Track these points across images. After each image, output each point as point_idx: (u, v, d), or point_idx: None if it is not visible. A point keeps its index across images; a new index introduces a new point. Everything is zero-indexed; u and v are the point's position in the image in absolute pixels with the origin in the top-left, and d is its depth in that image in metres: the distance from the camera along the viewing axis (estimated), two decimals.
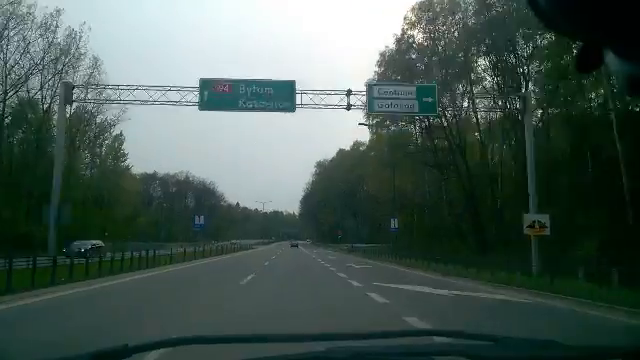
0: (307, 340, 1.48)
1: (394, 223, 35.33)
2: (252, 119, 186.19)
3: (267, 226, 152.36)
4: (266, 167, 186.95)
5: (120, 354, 1.27)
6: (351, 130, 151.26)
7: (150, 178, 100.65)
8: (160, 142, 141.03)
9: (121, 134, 59.63)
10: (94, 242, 29.32)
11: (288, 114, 22.03)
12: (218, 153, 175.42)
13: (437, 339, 1.75)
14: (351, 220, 73.36)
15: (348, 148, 77.85)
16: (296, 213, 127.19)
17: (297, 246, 78.90)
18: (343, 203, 74.60)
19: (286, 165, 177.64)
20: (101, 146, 57.78)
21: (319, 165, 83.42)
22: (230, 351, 1.75)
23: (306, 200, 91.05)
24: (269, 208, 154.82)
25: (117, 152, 62.69)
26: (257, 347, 1.44)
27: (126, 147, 61.38)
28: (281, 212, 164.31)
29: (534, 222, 18.66)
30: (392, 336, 1.61)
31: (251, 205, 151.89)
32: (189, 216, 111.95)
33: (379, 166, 46.64)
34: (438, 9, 35.08)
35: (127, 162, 64.35)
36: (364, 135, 78.19)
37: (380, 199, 50.60)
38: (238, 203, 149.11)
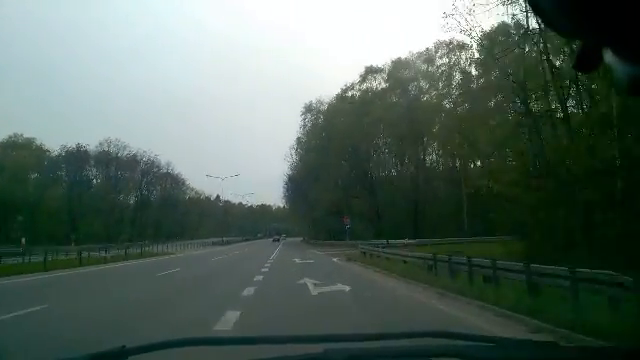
0: (304, 342, 1.48)
1: None
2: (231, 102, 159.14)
3: (253, 221, 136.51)
4: (253, 157, 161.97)
5: (118, 356, 1.28)
6: None
7: (72, 156, 69.08)
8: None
9: None
10: None
11: None
12: (196, 142, 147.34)
13: (435, 340, 1.58)
14: (365, 199, 43.91)
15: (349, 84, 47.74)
16: (287, 207, 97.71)
17: (278, 240, 72.59)
18: (350, 173, 45.17)
19: (275, 154, 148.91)
20: None
21: (309, 110, 51.19)
22: (228, 353, 1.72)
23: (292, 179, 59.55)
24: (256, 201, 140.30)
25: None
26: (255, 349, 1.46)
27: None
28: (269, 205, 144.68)
29: None
30: (390, 337, 1.61)
31: (236, 199, 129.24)
32: (132, 206, 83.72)
33: None
34: None
35: None
36: (379, 58, 48.06)
37: None
38: (218, 196, 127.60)
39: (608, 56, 0.58)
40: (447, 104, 44.43)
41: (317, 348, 1.32)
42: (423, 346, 1.51)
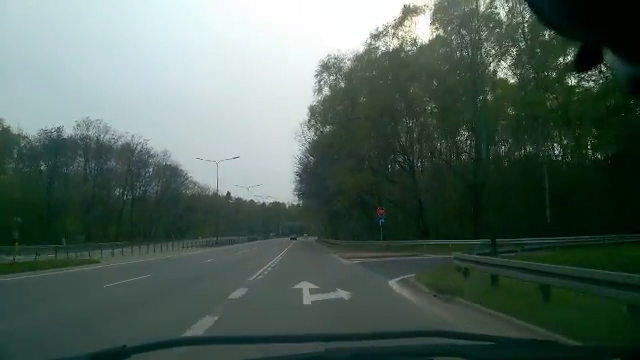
0: (306, 341, 1.48)
1: None
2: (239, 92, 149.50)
3: (265, 219, 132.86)
4: (264, 154, 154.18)
5: (119, 355, 1.28)
6: None
7: (52, 142, 57.70)
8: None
9: None
10: None
11: None
12: (201, 141, 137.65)
13: (435, 340, 1.58)
14: (401, 185, 32.56)
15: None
16: (300, 202, 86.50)
17: (295, 239, 72.53)
18: (381, 150, 33.86)
19: (288, 149, 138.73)
20: None
21: (326, 69, 38.81)
22: (229, 352, 1.71)
23: (304, 165, 47.49)
24: (268, 199, 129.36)
25: None
26: (256, 348, 1.45)
27: None
28: (282, 204, 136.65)
29: None
30: (391, 337, 1.60)
31: (241, 191, 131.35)
32: (122, 201, 73.33)
33: None
34: None
35: None
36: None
37: None
38: (229, 193, 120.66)
39: (608, 56, 0.57)
40: (514, 56, 32.77)
41: (317, 347, 1.29)
42: (423, 345, 1.49)
